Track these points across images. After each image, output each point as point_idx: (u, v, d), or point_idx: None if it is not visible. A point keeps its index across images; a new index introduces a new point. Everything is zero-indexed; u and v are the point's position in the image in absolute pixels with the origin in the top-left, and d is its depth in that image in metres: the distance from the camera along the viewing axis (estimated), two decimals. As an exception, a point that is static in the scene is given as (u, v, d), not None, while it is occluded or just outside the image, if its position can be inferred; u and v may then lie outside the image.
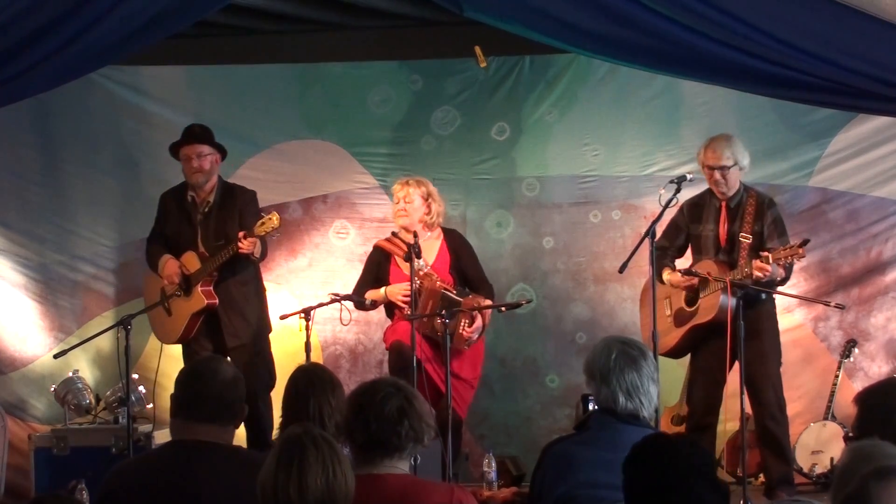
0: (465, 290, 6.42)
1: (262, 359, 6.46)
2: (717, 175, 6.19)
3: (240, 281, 6.43)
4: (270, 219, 6.06)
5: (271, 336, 6.63)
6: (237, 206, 6.43)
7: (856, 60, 5.21)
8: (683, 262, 6.42)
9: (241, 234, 6.17)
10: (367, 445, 3.41)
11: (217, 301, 6.38)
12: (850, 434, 4.65)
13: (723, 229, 6.24)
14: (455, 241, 6.65)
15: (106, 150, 7.40)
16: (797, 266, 6.52)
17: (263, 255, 6.43)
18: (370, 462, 3.43)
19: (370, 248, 6.77)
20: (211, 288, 6.38)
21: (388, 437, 3.40)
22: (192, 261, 6.42)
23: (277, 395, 4.23)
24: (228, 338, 6.38)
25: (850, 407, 3.68)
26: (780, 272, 6.04)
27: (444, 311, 6.04)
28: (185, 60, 7.38)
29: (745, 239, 6.16)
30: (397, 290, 6.44)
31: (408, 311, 6.30)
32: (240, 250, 6.16)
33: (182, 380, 3.64)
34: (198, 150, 6.42)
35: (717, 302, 6.06)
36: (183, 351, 6.56)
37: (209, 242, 6.40)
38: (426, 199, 6.53)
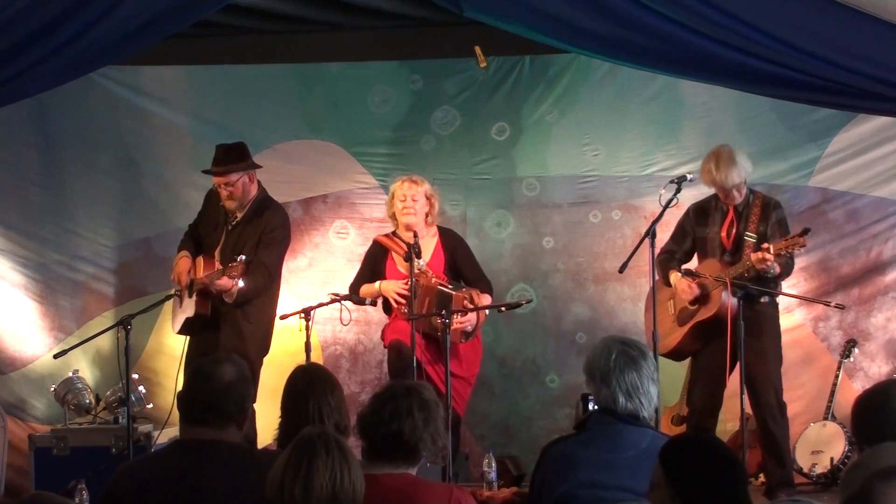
0: (460, 284, 6.42)
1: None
2: (734, 193, 6.18)
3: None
4: (235, 266, 5.92)
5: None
6: (262, 226, 6.31)
7: (856, 60, 5.21)
8: (691, 265, 6.41)
9: (208, 274, 6.10)
10: (384, 447, 3.45)
11: (208, 313, 6.26)
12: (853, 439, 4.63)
13: (728, 231, 6.24)
14: (450, 241, 6.62)
15: (106, 150, 7.39)
16: (797, 266, 6.52)
17: (241, 297, 6.19)
18: (375, 463, 3.46)
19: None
20: (209, 300, 6.25)
21: (413, 444, 3.46)
22: (201, 267, 6.35)
23: (276, 395, 4.21)
24: (221, 348, 6.21)
25: (850, 407, 3.65)
26: (777, 268, 6.02)
27: (443, 312, 6.03)
28: (185, 60, 7.37)
29: (750, 237, 6.16)
30: (392, 287, 6.41)
31: (404, 311, 6.30)
32: (215, 289, 6.10)
33: (185, 380, 3.66)
34: (224, 180, 6.32)
35: (719, 297, 6.06)
36: (188, 342, 6.46)
37: (226, 254, 6.28)
38: (429, 198, 6.54)
